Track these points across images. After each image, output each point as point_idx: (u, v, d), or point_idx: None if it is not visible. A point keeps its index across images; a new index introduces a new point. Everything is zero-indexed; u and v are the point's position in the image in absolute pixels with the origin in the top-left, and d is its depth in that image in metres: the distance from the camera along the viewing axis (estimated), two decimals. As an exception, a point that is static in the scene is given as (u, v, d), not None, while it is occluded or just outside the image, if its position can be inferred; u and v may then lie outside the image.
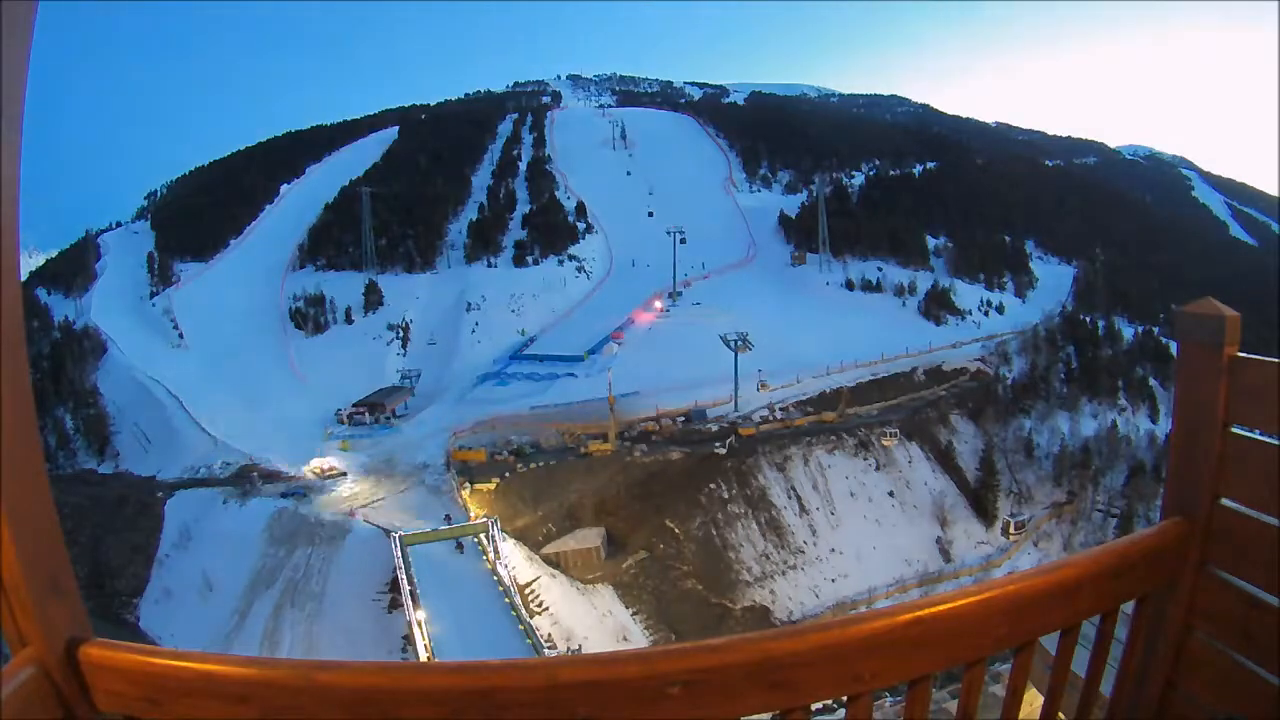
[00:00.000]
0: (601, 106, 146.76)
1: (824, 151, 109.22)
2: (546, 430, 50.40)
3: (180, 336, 70.06)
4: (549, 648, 31.89)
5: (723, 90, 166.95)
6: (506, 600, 33.64)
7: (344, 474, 46.41)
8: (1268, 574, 1.41)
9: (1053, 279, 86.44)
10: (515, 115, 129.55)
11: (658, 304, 71.80)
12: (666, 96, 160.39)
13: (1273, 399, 1.41)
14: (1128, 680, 1.59)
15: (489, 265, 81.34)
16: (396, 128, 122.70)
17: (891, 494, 51.04)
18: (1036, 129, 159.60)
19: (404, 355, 69.56)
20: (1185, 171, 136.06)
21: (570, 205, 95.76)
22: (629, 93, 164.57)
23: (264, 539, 41.48)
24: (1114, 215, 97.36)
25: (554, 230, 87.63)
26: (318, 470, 46.43)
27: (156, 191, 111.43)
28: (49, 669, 1.02)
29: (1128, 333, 72.56)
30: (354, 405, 56.24)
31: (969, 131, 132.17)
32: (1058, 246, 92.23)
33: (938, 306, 74.90)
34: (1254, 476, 1.46)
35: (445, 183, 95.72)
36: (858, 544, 47.90)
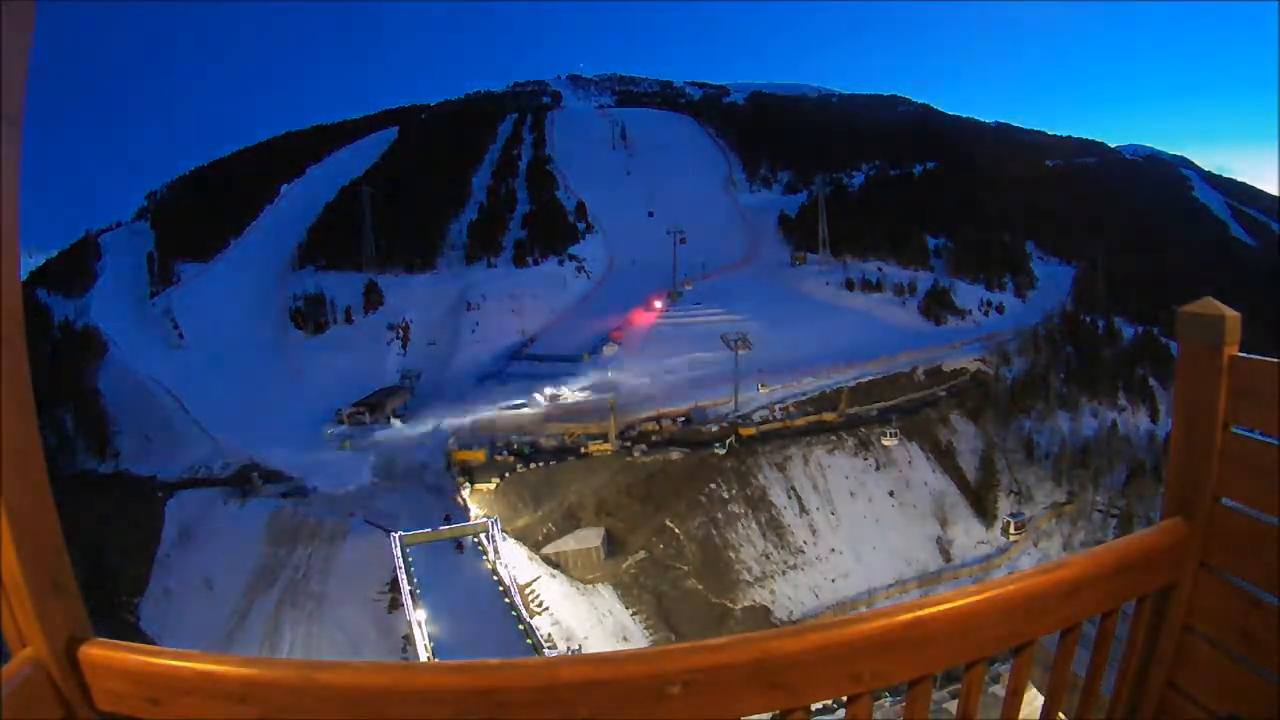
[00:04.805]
0: (601, 106, 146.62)
1: (824, 151, 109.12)
2: (546, 430, 50.43)
3: (180, 336, 70.05)
4: (549, 648, 31.92)
5: (723, 90, 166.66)
6: (506, 600, 33.67)
7: None
8: (1268, 574, 1.41)
9: (1053, 279, 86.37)
10: (515, 115, 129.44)
11: (658, 304, 71.76)
12: (666, 96, 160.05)
13: (1273, 399, 1.42)
14: (1128, 680, 1.59)
15: (489, 265, 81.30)
16: (396, 128, 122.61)
17: (891, 494, 51.04)
18: (1037, 129, 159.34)
19: (404, 355, 69.54)
20: (1185, 171, 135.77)
21: (570, 205, 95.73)
22: (629, 93, 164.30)
23: (264, 539, 41.54)
24: (1114, 215, 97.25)
25: (554, 230, 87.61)
26: None
27: (156, 191, 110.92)
28: (49, 669, 1.03)
29: (1128, 333, 72.48)
30: (354, 405, 56.24)
31: (969, 131, 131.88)
32: (1058, 246, 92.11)
33: (938, 306, 74.87)
34: (1254, 476, 1.46)
35: (445, 183, 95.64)
36: (858, 544, 47.91)
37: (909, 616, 1.15)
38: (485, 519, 39.57)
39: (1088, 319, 73.15)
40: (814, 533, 47.89)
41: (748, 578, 44.87)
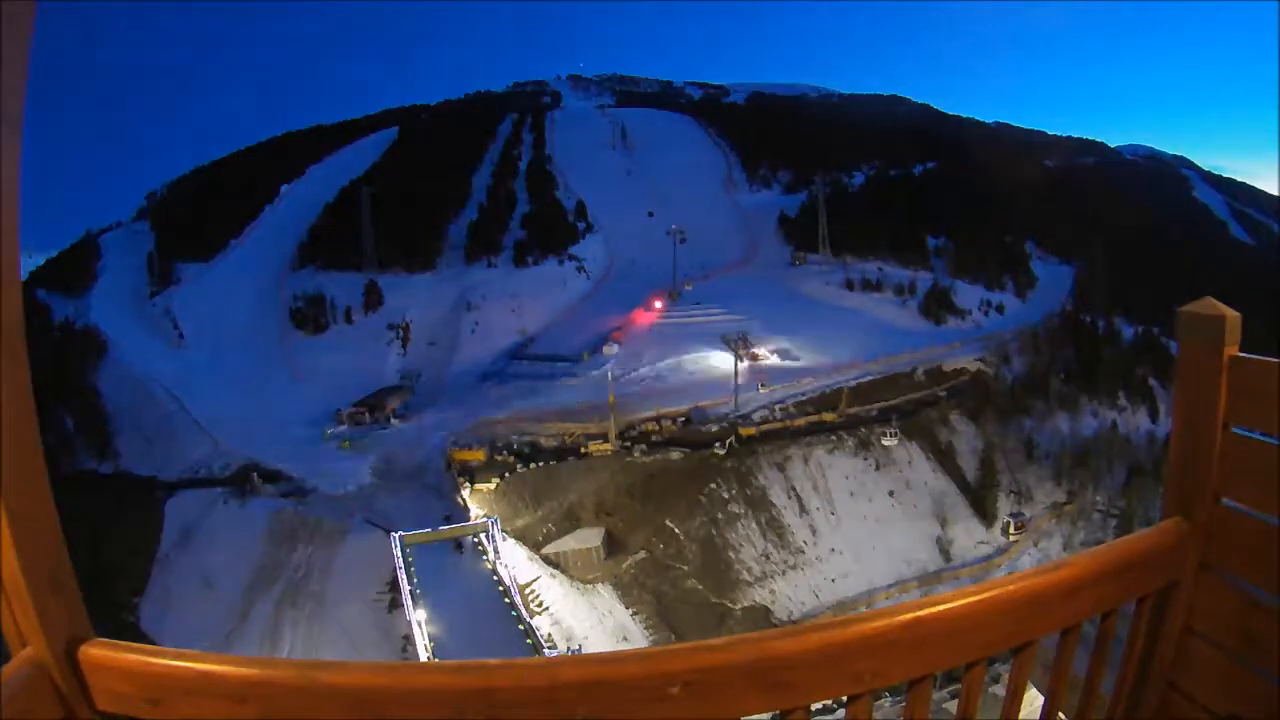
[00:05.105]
0: (601, 106, 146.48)
1: (824, 151, 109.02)
2: (546, 430, 50.44)
3: (180, 336, 70.11)
4: (549, 648, 31.93)
5: (723, 90, 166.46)
6: (506, 600, 33.69)
7: None
8: (1268, 574, 1.41)
9: (1053, 279, 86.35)
10: (515, 115, 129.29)
11: (658, 304, 71.80)
12: (666, 96, 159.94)
13: (1273, 399, 1.42)
14: (1128, 680, 1.59)
15: (489, 265, 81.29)
16: (396, 128, 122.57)
17: (891, 494, 51.04)
18: (1037, 129, 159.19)
19: (404, 355, 69.59)
20: (1185, 171, 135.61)
21: (570, 205, 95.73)
22: (629, 93, 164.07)
23: (264, 539, 41.57)
24: (1114, 215, 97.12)
25: (554, 230, 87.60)
26: None
27: (156, 191, 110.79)
28: (49, 669, 1.03)
29: (1128, 333, 72.48)
30: (354, 405, 56.27)
31: (969, 131, 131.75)
32: (1058, 246, 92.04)
33: (938, 306, 74.89)
34: (1254, 476, 1.46)
35: (445, 183, 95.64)
36: (858, 544, 47.91)
37: (909, 616, 1.15)
38: (485, 519, 39.57)
39: (1088, 319, 73.11)
40: (814, 533, 47.90)
41: (748, 578, 44.88)
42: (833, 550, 47.52)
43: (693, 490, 46.62)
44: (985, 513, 52.03)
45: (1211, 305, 1.52)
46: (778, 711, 1.13)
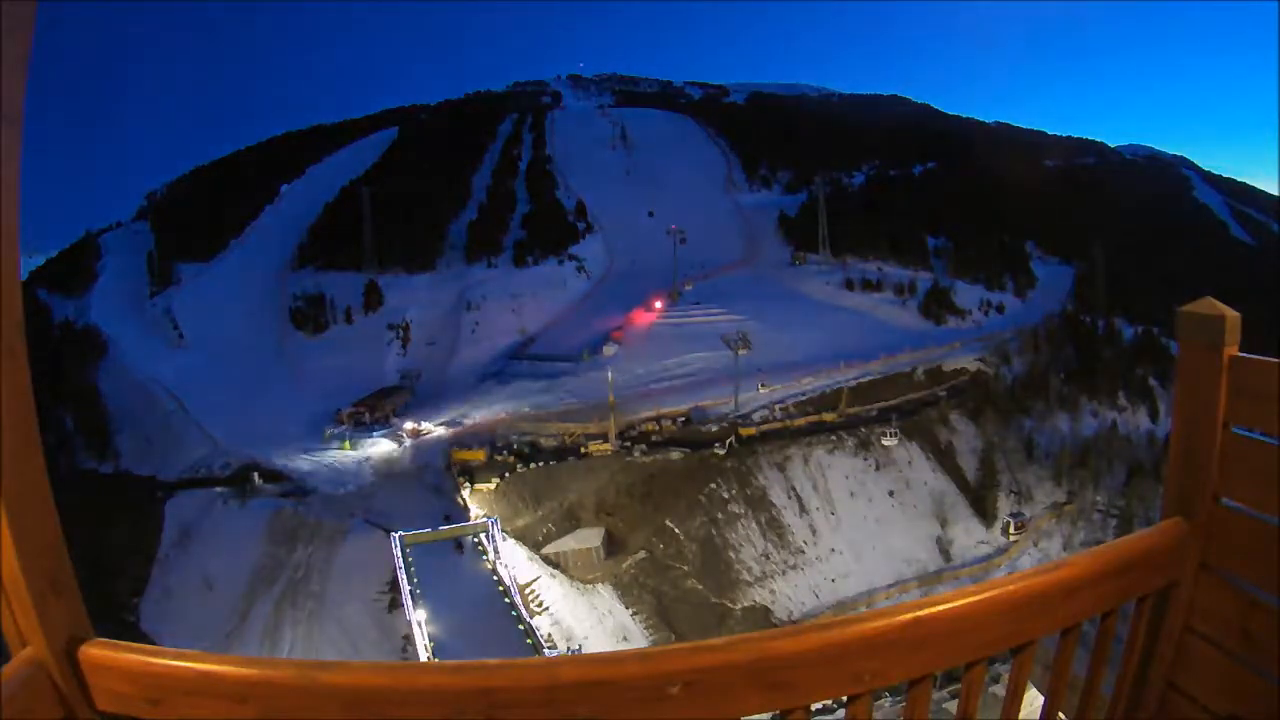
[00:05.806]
0: (601, 106, 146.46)
1: (824, 151, 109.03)
2: (546, 430, 50.44)
3: (180, 336, 70.10)
4: (549, 648, 31.93)
5: (723, 90, 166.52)
6: (506, 600, 33.69)
7: None
8: (1268, 574, 1.41)
9: (1053, 279, 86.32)
10: (515, 115, 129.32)
11: (657, 304, 71.77)
12: (666, 96, 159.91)
13: (1273, 399, 1.42)
14: (1128, 680, 1.59)
15: (489, 265, 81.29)
16: (396, 128, 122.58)
17: (891, 494, 51.03)
18: (1037, 129, 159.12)
19: (404, 355, 69.59)
20: (1185, 171, 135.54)
21: (570, 205, 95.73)
22: (629, 93, 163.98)
23: (264, 539, 41.55)
24: (1114, 215, 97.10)
25: (554, 230, 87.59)
26: None
27: (156, 191, 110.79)
28: (49, 669, 1.03)
29: (1128, 333, 72.45)
30: (354, 405, 56.26)
31: (969, 131, 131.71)
32: (1058, 246, 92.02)
33: (938, 306, 74.86)
34: (1254, 476, 1.46)
35: (445, 183, 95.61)
36: (858, 544, 47.91)
37: (909, 616, 1.15)
38: (485, 519, 39.58)
39: (1088, 319, 73.08)
40: (814, 533, 47.89)
41: (748, 578, 44.87)
42: (833, 550, 47.51)
43: (693, 490, 46.60)
44: (985, 513, 52.02)
45: (1211, 305, 1.52)
46: (778, 711, 1.13)
